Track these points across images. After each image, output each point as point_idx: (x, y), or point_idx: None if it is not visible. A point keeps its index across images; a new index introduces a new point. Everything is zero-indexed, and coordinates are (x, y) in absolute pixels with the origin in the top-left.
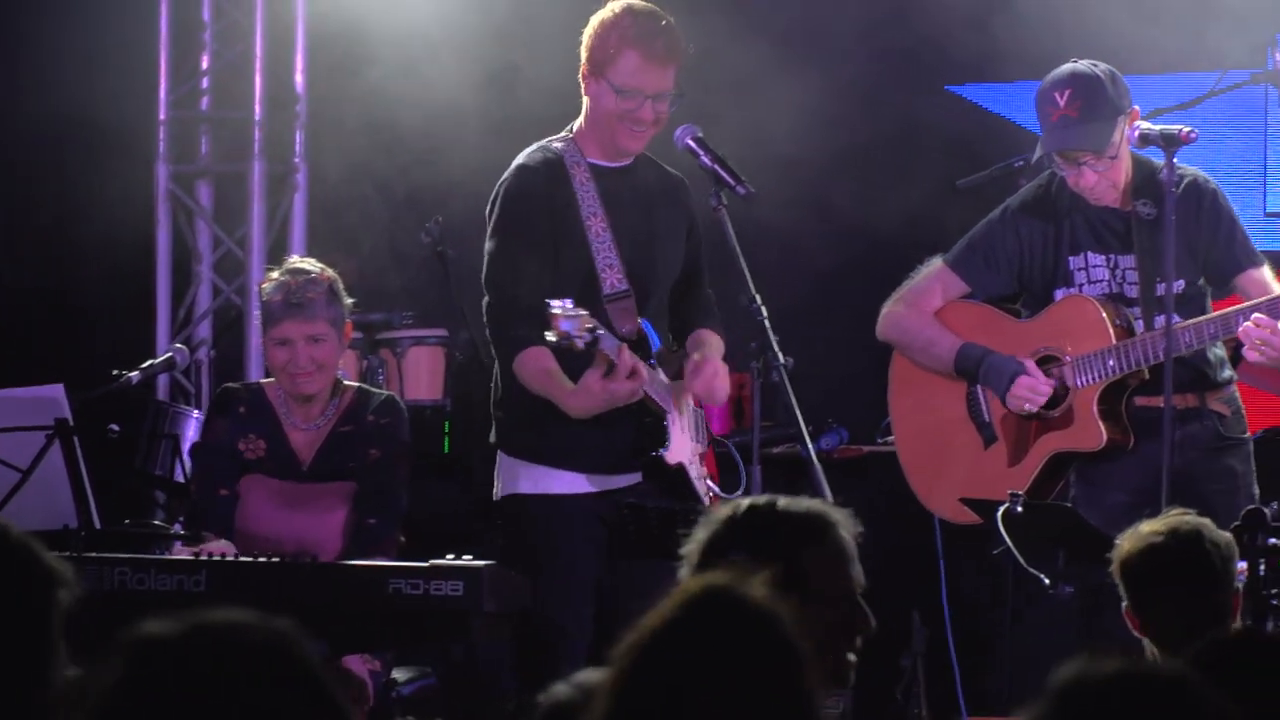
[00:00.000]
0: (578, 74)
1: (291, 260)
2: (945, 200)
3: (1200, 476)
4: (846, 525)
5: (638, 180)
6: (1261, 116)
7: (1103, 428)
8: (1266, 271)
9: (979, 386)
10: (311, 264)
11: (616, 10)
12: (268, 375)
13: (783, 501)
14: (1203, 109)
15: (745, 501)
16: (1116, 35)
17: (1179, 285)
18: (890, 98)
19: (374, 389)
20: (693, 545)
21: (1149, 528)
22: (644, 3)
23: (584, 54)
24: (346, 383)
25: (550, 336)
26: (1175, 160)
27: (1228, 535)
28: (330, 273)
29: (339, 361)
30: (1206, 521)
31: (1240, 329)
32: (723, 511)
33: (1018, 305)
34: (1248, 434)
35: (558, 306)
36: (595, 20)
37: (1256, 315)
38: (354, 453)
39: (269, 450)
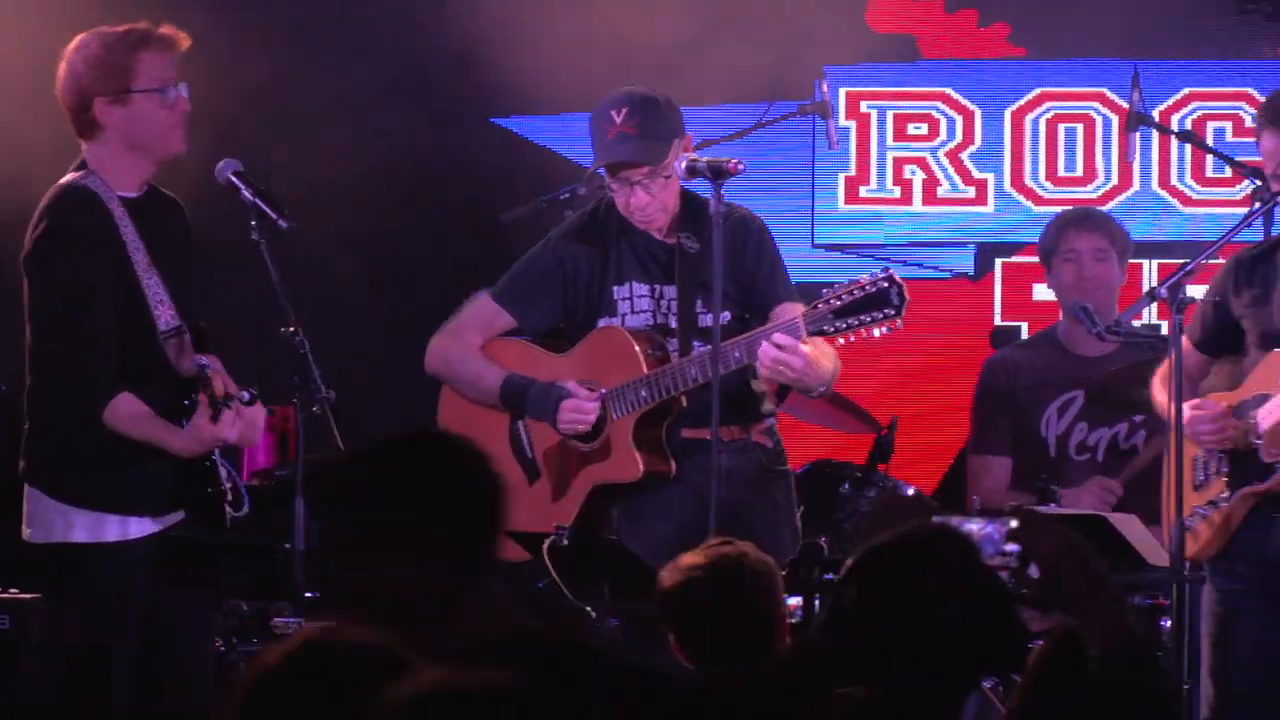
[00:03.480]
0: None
1: None
2: (493, 233)
3: (746, 507)
4: None
5: (157, 208)
6: (809, 149)
7: (639, 458)
8: (800, 307)
9: (520, 422)
10: None
11: (92, 37)
12: None
13: None
14: (752, 141)
15: None
16: (664, 68)
17: (725, 317)
18: (433, 131)
19: None
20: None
21: (689, 560)
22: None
23: (88, 88)
24: None
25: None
26: (724, 195)
27: (768, 559)
28: None
29: None
30: (748, 548)
31: (760, 349)
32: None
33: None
34: (788, 467)
35: (213, 367)
36: (77, 58)
37: (777, 335)
38: None
39: None
